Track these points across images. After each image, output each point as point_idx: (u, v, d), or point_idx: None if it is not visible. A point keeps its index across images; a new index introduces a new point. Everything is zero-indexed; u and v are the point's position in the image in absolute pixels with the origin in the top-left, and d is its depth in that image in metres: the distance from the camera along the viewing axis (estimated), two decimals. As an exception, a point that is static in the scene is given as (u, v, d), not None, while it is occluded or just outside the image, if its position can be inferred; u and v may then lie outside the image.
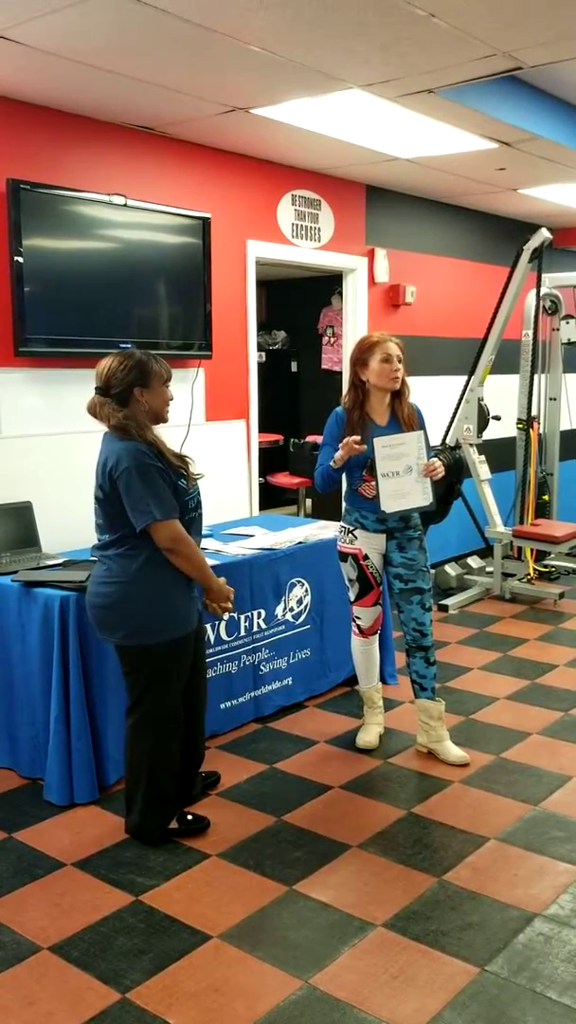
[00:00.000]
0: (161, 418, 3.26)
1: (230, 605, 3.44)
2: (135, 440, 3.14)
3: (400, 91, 4.21)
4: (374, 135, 5.05)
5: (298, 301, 9.73)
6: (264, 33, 3.54)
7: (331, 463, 3.93)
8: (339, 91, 4.22)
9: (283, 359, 10.24)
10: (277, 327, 10.12)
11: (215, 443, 5.53)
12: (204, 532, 3.78)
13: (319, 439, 8.79)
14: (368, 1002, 2.58)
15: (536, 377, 6.91)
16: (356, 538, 4.10)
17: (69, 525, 4.63)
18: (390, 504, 3.92)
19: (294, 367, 10.35)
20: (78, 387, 4.70)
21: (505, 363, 6.85)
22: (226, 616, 3.58)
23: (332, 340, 9.65)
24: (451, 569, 7.07)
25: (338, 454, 3.88)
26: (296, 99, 4.36)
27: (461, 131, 4.88)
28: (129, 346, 4.73)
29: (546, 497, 7.36)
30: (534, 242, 6.31)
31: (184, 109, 4.54)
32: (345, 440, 3.85)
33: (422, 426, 4.09)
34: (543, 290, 6.80)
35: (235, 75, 4.05)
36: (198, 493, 3.32)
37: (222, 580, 3.42)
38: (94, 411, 3.20)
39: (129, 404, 3.18)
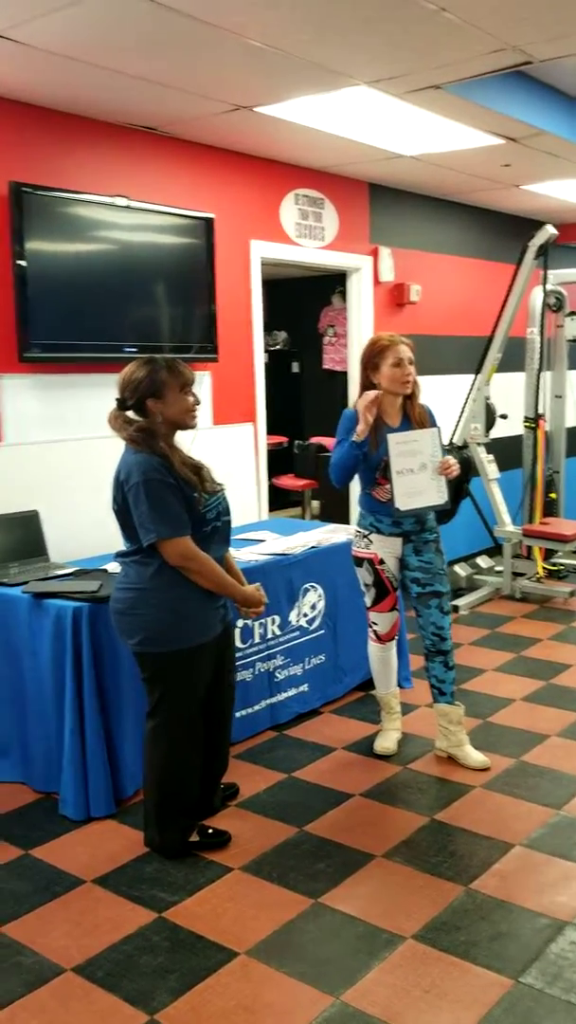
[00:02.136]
0: (182, 426, 3.19)
1: (262, 609, 3.38)
2: (148, 453, 3.07)
3: (407, 87, 4.15)
4: (378, 132, 4.99)
5: (298, 301, 9.68)
6: (270, 29, 3.49)
7: (354, 437, 3.81)
8: (345, 88, 4.16)
9: (284, 360, 10.19)
10: (277, 328, 10.06)
11: (223, 447, 5.47)
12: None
13: (323, 440, 8.79)
14: (401, 1018, 2.52)
15: (541, 374, 6.86)
16: (372, 542, 4.04)
17: (76, 534, 4.57)
18: (405, 502, 3.86)
19: (295, 368, 10.31)
20: (84, 392, 4.65)
21: (509, 361, 6.79)
22: (255, 618, 3.52)
23: (333, 340, 9.60)
24: (461, 569, 7.02)
25: (360, 425, 3.79)
26: (301, 96, 4.31)
27: (467, 127, 4.83)
28: (134, 350, 4.71)
29: (553, 495, 7.31)
30: (539, 238, 6.25)
31: (187, 108, 4.48)
32: (364, 395, 3.77)
33: (433, 425, 4.04)
34: (548, 287, 6.74)
35: (240, 73, 3.99)
36: (220, 502, 3.25)
37: (252, 587, 3.36)
38: (111, 424, 3.14)
39: (146, 414, 3.13)
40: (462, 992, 2.62)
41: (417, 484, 3.86)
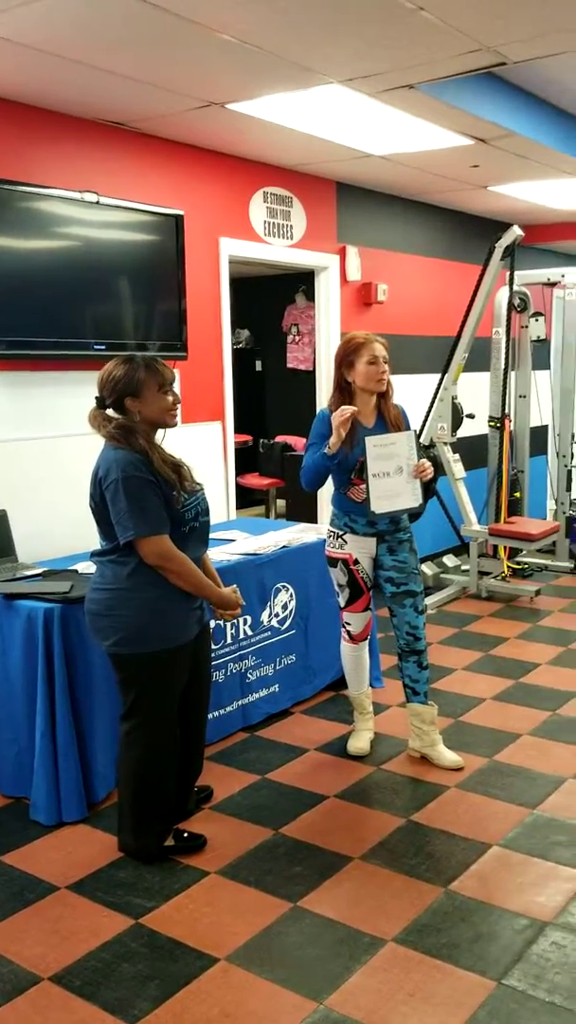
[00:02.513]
0: (162, 424, 3.14)
1: (238, 611, 3.35)
2: (128, 449, 3.02)
3: (381, 86, 4.14)
4: (349, 131, 4.98)
5: (262, 299, 9.65)
6: (246, 25, 3.45)
7: (325, 450, 3.82)
8: (318, 86, 4.13)
9: (248, 358, 10.15)
10: (240, 326, 10.02)
11: (191, 446, 5.40)
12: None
13: (289, 439, 8.76)
14: (387, 1023, 2.50)
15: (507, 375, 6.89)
16: (346, 542, 4.02)
17: (45, 534, 4.50)
18: (381, 505, 3.84)
19: (259, 366, 10.27)
20: (52, 390, 4.58)
21: (475, 361, 6.81)
22: (232, 620, 3.48)
23: (297, 339, 9.59)
24: (428, 568, 7.03)
25: (332, 439, 3.78)
26: (274, 94, 4.27)
27: (437, 127, 4.82)
28: (103, 348, 4.65)
29: (518, 494, 7.35)
30: (506, 239, 6.27)
31: (159, 104, 4.43)
32: (340, 410, 3.75)
33: (408, 427, 4.03)
34: (513, 288, 6.77)
35: (213, 69, 3.95)
36: (199, 502, 3.20)
37: (229, 589, 3.33)
38: (91, 423, 3.09)
39: (124, 413, 3.08)
40: (446, 995, 2.61)
41: (393, 487, 3.84)
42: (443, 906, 3.03)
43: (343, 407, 3.79)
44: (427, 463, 3.91)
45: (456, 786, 3.87)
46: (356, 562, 4.01)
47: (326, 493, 4.03)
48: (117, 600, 3.10)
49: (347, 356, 3.89)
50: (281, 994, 2.62)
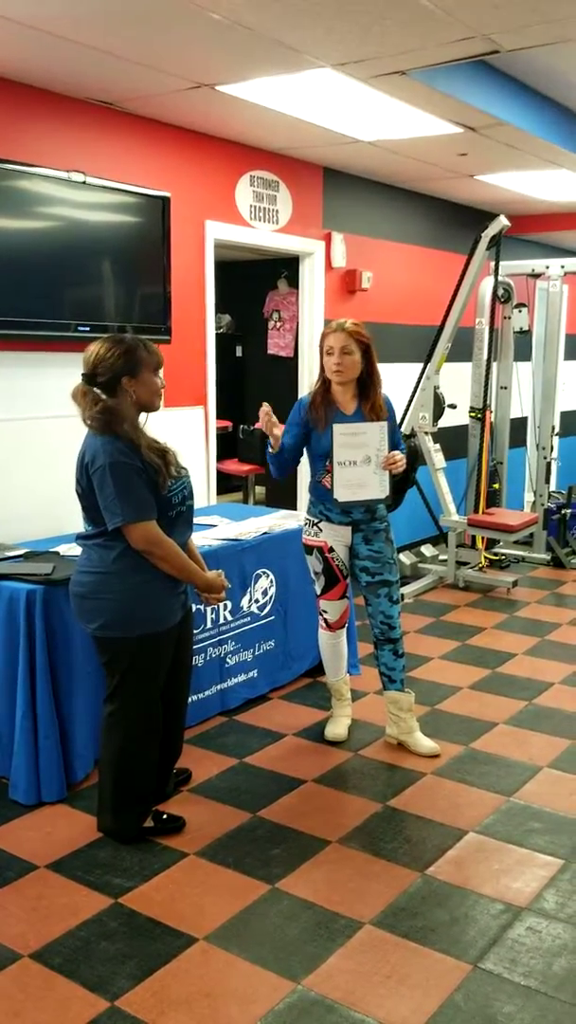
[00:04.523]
0: (150, 408, 3.13)
1: (223, 596, 3.35)
2: (113, 435, 3.01)
3: (373, 72, 4.12)
4: (338, 116, 4.96)
5: (243, 285, 9.60)
6: (238, 5, 3.42)
7: (269, 448, 3.87)
8: (310, 69, 4.11)
9: (228, 344, 10.10)
10: (222, 311, 9.97)
11: (173, 431, 5.36)
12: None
13: (269, 426, 8.71)
14: (364, 1003, 2.52)
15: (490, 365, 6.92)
16: (321, 531, 4.02)
17: (25, 515, 4.48)
18: (343, 493, 3.84)
19: (239, 352, 10.24)
20: (34, 371, 4.56)
21: (457, 351, 6.83)
22: (217, 604, 3.49)
23: (278, 325, 9.55)
24: (405, 557, 7.06)
25: (272, 440, 3.83)
26: (264, 77, 4.25)
27: (427, 114, 4.81)
28: (87, 329, 4.62)
29: (496, 485, 7.38)
30: (492, 229, 6.29)
31: (148, 84, 4.40)
32: (264, 412, 3.80)
33: (391, 417, 4.00)
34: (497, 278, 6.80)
35: (204, 50, 3.92)
36: (185, 486, 3.20)
37: (214, 573, 3.33)
38: (76, 399, 3.06)
39: (116, 393, 3.05)
40: (423, 977, 2.63)
41: (359, 477, 3.83)
42: (420, 890, 3.05)
43: (262, 406, 3.81)
44: (398, 455, 3.87)
45: (433, 773, 3.90)
46: (331, 550, 4.01)
47: (305, 480, 4.03)
48: (103, 584, 3.10)
49: (320, 342, 3.91)
50: (259, 974, 2.63)
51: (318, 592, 4.13)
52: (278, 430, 3.84)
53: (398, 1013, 2.48)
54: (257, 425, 3.79)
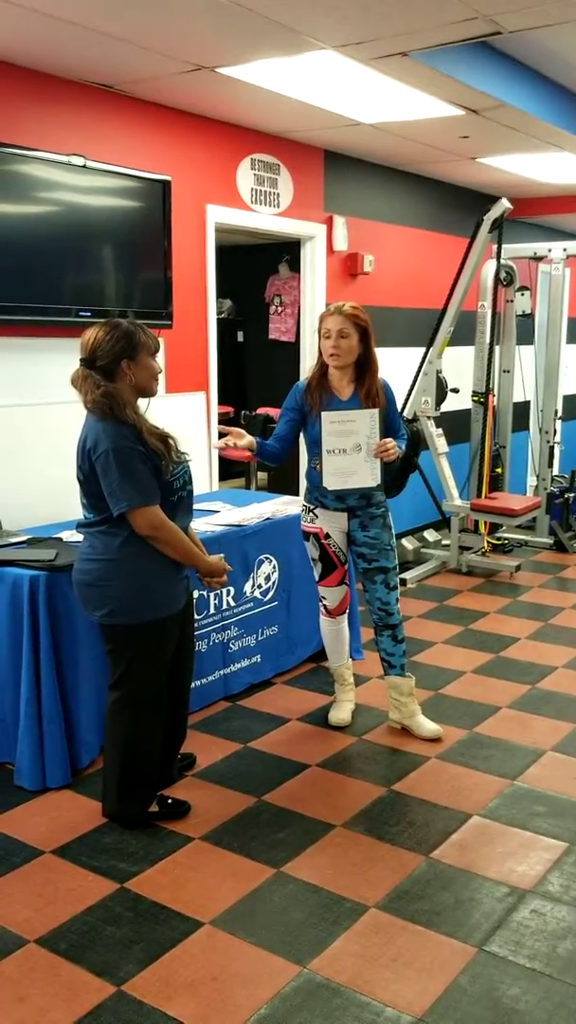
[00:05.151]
0: (148, 392, 3.12)
1: (225, 579, 3.35)
2: (115, 420, 3.00)
3: (374, 53, 4.10)
4: (339, 99, 4.93)
5: (244, 269, 9.57)
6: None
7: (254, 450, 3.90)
8: (311, 51, 4.08)
9: (229, 329, 10.08)
10: (222, 296, 9.94)
11: (175, 416, 5.38)
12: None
13: (270, 411, 8.73)
14: (370, 987, 2.53)
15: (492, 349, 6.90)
16: (317, 517, 4.01)
17: (27, 501, 4.47)
18: (332, 482, 3.82)
19: (240, 337, 10.21)
20: (36, 357, 4.54)
21: (459, 335, 6.80)
22: (216, 589, 3.48)
23: (279, 309, 9.53)
24: (408, 543, 7.06)
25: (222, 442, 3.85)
26: (265, 59, 4.22)
27: (429, 96, 4.78)
28: (89, 315, 4.60)
29: (499, 470, 7.38)
30: (494, 212, 6.26)
31: (148, 67, 4.37)
32: (224, 440, 3.83)
33: (390, 402, 3.97)
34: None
35: (204, 32, 3.89)
36: (185, 472, 3.20)
37: (216, 557, 3.33)
38: (76, 383, 3.05)
39: (115, 378, 3.04)
40: (428, 960, 2.64)
41: (349, 464, 3.80)
42: (424, 874, 3.06)
43: (219, 440, 3.86)
44: (390, 443, 3.82)
45: (437, 757, 3.90)
46: (328, 536, 4.00)
47: (306, 466, 4.02)
48: (108, 571, 3.09)
49: (318, 326, 3.89)
50: (265, 957, 2.64)
51: (317, 578, 4.12)
52: (244, 441, 3.83)
53: (404, 996, 2.49)
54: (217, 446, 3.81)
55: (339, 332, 3.77)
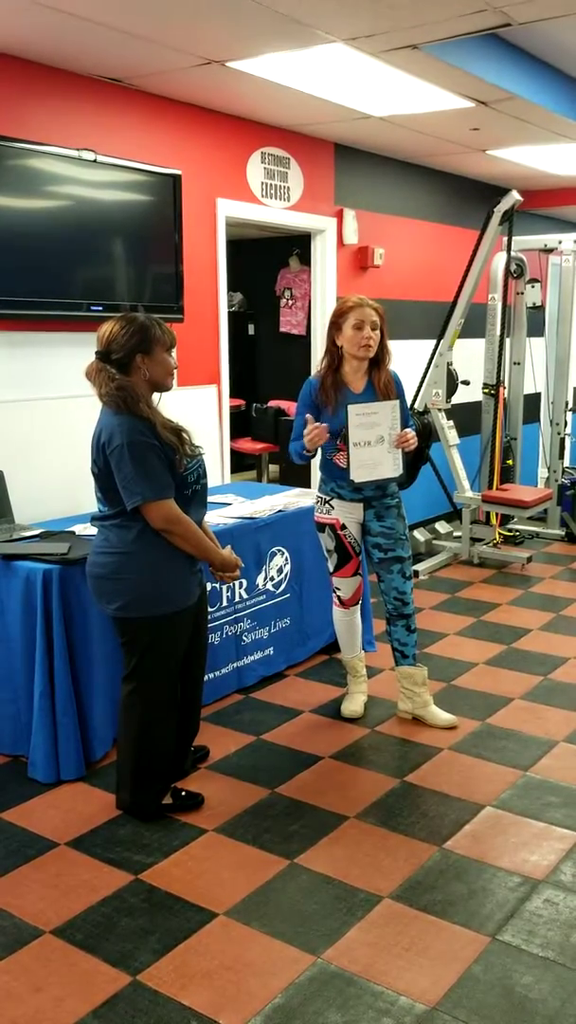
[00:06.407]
0: (163, 387, 3.13)
1: (237, 573, 3.36)
2: (129, 414, 3.01)
3: (384, 46, 4.09)
4: (349, 92, 4.92)
5: (254, 263, 9.57)
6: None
7: (304, 449, 3.85)
8: (321, 44, 4.08)
9: (240, 322, 10.08)
10: (233, 289, 9.94)
11: (187, 409, 5.39)
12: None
13: (281, 404, 8.74)
14: (384, 976, 2.55)
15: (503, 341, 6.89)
16: (333, 508, 4.03)
17: (41, 495, 4.49)
18: (359, 474, 3.84)
19: (251, 330, 10.21)
20: (49, 351, 4.56)
21: (469, 327, 6.80)
22: (229, 583, 3.49)
23: (290, 303, 9.53)
24: (420, 534, 7.06)
25: (307, 439, 3.78)
26: (275, 53, 4.22)
27: (439, 89, 4.77)
28: (100, 309, 4.62)
29: (510, 462, 7.37)
30: (504, 204, 6.25)
31: (158, 61, 4.37)
32: (308, 430, 3.76)
33: (400, 394, 3.99)
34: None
35: (214, 25, 3.89)
36: (200, 465, 3.21)
37: (227, 550, 3.34)
38: (90, 376, 3.06)
39: (129, 371, 3.05)
40: (442, 949, 2.66)
41: (374, 456, 3.83)
42: (438, 864, 3.08)
43: (311, 427, 3.77)
44: (410, 433, 3.88)
45: (449, 748, 3.91)
46: (343, 527, 4.02)
47: (318, 458, 4.03)
48: (123, 564, 3.11)
49: (337, 319, 3.87)
50: (279, 948, 2.66)
51: (331, 569, 4.14)
52: (320, 441, 3.82)
53: (417, 985, 2.51)
54: (310, 435, 3.77)
55: (372, 324, 3.80)
